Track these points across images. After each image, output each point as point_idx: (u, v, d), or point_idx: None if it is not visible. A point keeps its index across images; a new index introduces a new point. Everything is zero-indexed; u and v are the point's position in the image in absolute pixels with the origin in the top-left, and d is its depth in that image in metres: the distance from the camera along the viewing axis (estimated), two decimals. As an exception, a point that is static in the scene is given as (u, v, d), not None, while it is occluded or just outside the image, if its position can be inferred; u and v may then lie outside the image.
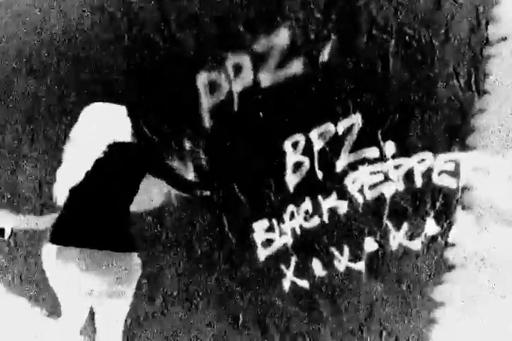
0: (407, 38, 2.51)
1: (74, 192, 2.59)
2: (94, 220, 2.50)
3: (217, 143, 3.03)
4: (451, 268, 2.40)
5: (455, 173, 2.40)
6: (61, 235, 2.49)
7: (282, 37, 2.83)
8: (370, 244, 2.56)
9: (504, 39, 2.37)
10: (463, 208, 2.38)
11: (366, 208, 2.57)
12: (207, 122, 3.08)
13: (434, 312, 2.43)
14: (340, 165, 2.63)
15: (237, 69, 2.98)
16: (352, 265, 2.60)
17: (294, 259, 2.76)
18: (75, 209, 2.55)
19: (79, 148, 2.65)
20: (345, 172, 2.61)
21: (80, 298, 2.58)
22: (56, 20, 3.87)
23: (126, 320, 3.43)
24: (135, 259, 2.54)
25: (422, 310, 2.45)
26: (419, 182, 2.46)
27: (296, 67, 2.79)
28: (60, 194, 2.65)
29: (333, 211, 2.64)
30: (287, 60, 2.83)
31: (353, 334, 2.60)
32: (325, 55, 2.70)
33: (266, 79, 2.87)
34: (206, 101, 3.09)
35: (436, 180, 2.43)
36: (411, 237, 2.47)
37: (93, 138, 2.64)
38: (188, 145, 3.14)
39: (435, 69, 2.45)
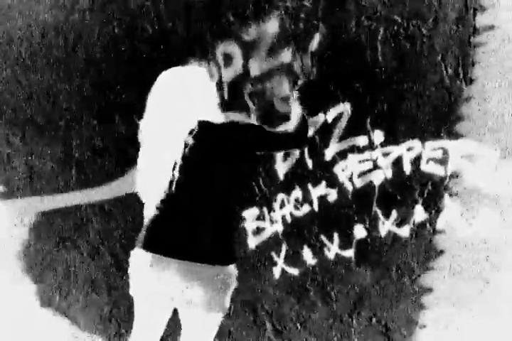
0: (395, 26, 2.53)
1: (171, 190, 2.15)
2: (198, 227, 2.13)
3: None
4: (439, 254, 2.43)
5: (443, 161, 2.42)
6: (157, 243, 2.14)
7: (272, 26, 2.84)
8: (359, 231, 2.58)
9: (491, 28, 2.39)
10: (451, 195, 2.41)
11: (356, 196, 2.59)
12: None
13: (423, 297, 2.46)
14: (329, 153, 2.64)
15: (227, 58, 2.98)
16: (342, 252, 2.63)
17: (284, 247, 2.79)
18: (174, 212, 2.16)
19: (158, 128, 2.19)
20: (334, 161, 2.63)
21: (165, 310, 2.26)
22: (44, 6, 3.85)
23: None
24: (234, 271, 2.22)
25: (410, 296, 2.48)
26: (407, 169, 2.49)
27: (286, 56, 2.80)
28: (146, 190, 2.23)
29: (323, 199, 2.66)
30: (277, 49, 2.84)
31: (342, 320, 2.64)
32: (314, 44, 2.71)
33: (256, 68, 2.88)
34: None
35: (425, 167, 2.46)
36: (400, 224, 2.50)
37: (177, 114, 2.17)
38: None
39: (423, 57, 2.47)
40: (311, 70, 2.71)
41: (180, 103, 2.18)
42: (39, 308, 3.47)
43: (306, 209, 2.71)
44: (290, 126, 2.43)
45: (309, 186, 2.70)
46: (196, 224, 2.12)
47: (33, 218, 3.53)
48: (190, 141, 2.13)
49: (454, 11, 2.43)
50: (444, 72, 2.44)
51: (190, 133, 2.14)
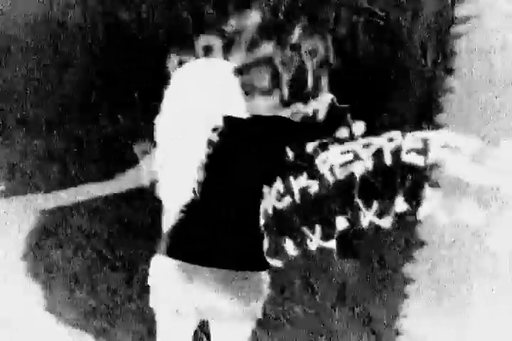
0: (375, 18, 2.53)
1: (196, 193, 2.00)
2: (227, 231, 2.00)
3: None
4: (421, 244, 2.45)
5: (423, 151, 2.43)
6: (183, 249, 2.00)
7: (253, 18, 2.83)
8: (341, 223, 2.59)
9: (470, 18, 2.40)
10: (431, 185, 2.42)
11: (337, 187, 2.60)
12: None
13: (405, 288, 2.48)
14: (310, 145, 2.64)
15: (208, 50, 2.97)
16: (324, 243, 2.64)
17: (266, 239, 2.79)
18: (200, 216, 2.02)
19: (178, 126, 2.03)
20: (315, 152, 2.64)
21: (192, 322, 2.12)
22: None
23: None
24: (267, 278, 2.08)
25: (393, 286, 2.50)
26: (388, 160, 2.49)
27: (267, 48, 2.80)
28: (169, 193, 2.08)
29: (304, 191, 2.67)
30: (258, 42, 2.83)
31: (325, 312, 2.65)
32: (295, 36, 2.71)
33: (236, 60, 2.88)
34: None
35: (405, 158, 2.46)
36: (381, 215, 2.51)
37: (200, 111, 2.02)
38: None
39: (403, 48, 2.48)
40: (291, 62, 2.71)
41: (203, 98, 2.02)
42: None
43: (287, 201, 2.71)
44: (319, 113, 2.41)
45: (291, 178, 2.70)
46: (224, 228, 2.00)
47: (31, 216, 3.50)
48: (215, 139, 1.99)
49: (433, 2, 2.44)
50: (424, 63, 2.45)
51: (214, 130, 2.00)
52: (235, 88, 2.11)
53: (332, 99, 2.48)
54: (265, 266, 2.07)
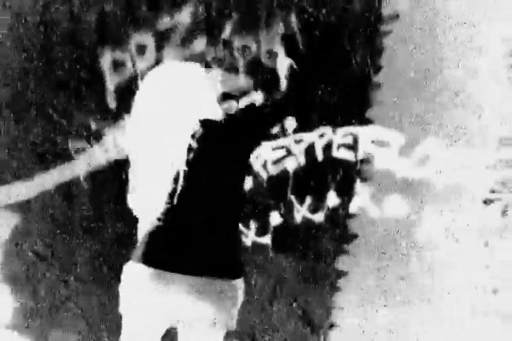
0: (306, 14, 2.57)
1: (172, 201, 1.96)
2: (203, 240, 1.96)
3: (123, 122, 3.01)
4: (353, 237, 2.50)
5: (353, 147, 2.48)
6: (159, 257, 1.95)
7: (185, 15, 2.83)
8: (275, 218, 2.62)
9: (397, 16, 2.46)
10: (362, 180, 2.47)
11: (270, 183, 2.63)
12: (112, 102, 3.06)
13: (339, 280, 2.52)
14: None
15: (141, 48, 2.96)
16: (259, 239, 2.67)
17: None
18: (176, 224, 1.97)
19: (152, 134, 1.95)
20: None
21: (161, 329, 2.06)
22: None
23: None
24: (242, 284, 2.04)
25: (327, 280, 2.54)
26: (320, 156, 2.54)
27: (199, 45, 2.80)
28: (142, 203, 2.03)
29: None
30: (190, 38, 2.83)
31: (263, 307, 2.67)
32: (227, 33, 2.72)
33: (169, 57, 2.87)
34: (110, 81, 3.06)
35: (336, 153, 2.51)
36: (314, 210, 2.55)
37: (175, 116, 1.95)
38: (93, 125, 3.11)
39: (333, 45, 2.52)
40: (224, 59, 2.72)
41: (177, 102, 1.95)
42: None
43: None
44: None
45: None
46: (201, 237, 1.95)
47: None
48: (194, 145, 1.94)
49: (362, 3, 2.49)
50: (353, 59, 2.50)
51: (193, 136, 1.94)
52: (209, 89, 2.05)
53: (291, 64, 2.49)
54: (241, 273, 2.02)
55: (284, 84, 2.52)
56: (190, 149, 1.93)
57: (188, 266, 1.92)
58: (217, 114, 2.02)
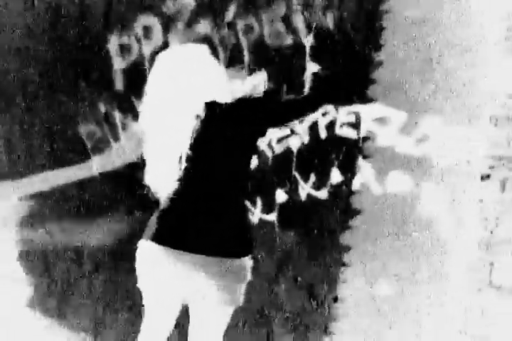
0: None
1: (182, 181, 2.03)
2: (210, 219, 2.02)
3: (131, 106, 3.07)
4: (356, 213, 2.56)
5: (356, 124, 2.54)
6: (168, 235, 2.02)
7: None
8: (280, 196, 2.69)
9: (397, -5, 2.49)
10: (364, 157, 2.53)
11: (275, 161, 2.69)
12: (120, 84, 3.12)
13: (343, 255, 2.59)
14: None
15: (147, 31, 3.01)
16: (265, 216, 2.73)
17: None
18: (184, 204, 2.04)
19: (162, 114, 2.03)
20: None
21: (176, 305, 2.14)
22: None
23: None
24: (249, 263, 2.09)
25: (331, 255, 2.61)
26: (323, 134, 2.59)
27: (204, 27, 2.85)
28: (157, 182, 2.10)
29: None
30: (195, 21, 2.88)
31: (268, 281, 2.75)
32: (230, 15, 2.76)
33: (175, 40, 2.92)
34: (118, 64, 3.11)
35: (339, 131, 2.57)
36: (318, 187, 2.61)
37: (183, 97, 2.01)
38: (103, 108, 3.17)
39: (334, 25, 2.56)
40: (229, 41, 2.77)
41: (184, 84, 2.00)
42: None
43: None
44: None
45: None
46: (208, 216, 2.01)
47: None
48: (198, 127, 1.99)
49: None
50: (354, 38, 2.54)
51: (198, 117, 1.99)
52: (217, 72, 2.10)
53: (318, 70, 2.48)
54: (248, 252, 2.07)
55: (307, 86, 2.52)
56: (196, 131, 1.99)
57: (195, 245, 1.99)
58: (224, 96, 2.07)
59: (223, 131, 2.00)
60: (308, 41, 2.53)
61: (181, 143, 2.01)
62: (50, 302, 3.44)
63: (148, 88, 2.08)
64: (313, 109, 2.31)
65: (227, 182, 2.04)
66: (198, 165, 2.02)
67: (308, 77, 2.42)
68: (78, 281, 3.32)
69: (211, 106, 2.01)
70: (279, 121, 2.20)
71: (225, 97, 2.07)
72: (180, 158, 2.02)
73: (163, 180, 2.07)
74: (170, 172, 2.04)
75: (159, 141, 2.05)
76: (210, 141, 2.00)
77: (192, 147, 2.00)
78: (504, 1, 2.29)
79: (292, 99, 2.32)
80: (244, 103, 2.08)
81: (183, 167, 2.02)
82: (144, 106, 2.09)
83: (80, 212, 3.29)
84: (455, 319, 2.39)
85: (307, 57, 2.55)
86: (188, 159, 2.01)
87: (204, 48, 2.13)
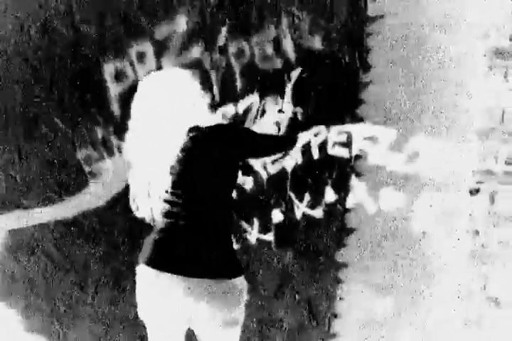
0: (294, 18, 2.67)
1: (171, 204, 2.06)
2: (200, 243, 2.04)
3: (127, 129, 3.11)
4: (351, 231, 2.60)
5: (347, 144, 2.59)
6: (161, 259, 2.05)
7: (180, 23, 2.94)
8: (277, 216, 2.73)
9: (382, 17, 2.55)
10: (356, 175, 2.58)
11: (270, 182, 2.74)
12: (116, 109, 3.16)
13: (339, 272, 2.63)
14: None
15: (141, 56, 3.07)
16: (262, 236, 2.78)
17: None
18: (175, 228, 2.06)
19: (148, 141, 2.04)
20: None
21: (179, 332, 2.16)
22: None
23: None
24: (243, 282, 2.10)
25: (328, 272, 2.65)
26: (315, 154, 2.64)
27: (196, 51, 2.91)
28: (145, 205, 2.13)
29: (240, 187, 2.79)
30: (187, 46, 2.94)
31: (268, 300, 2.78)
32: (221, 39, 2.82)
33: (169, 65, 2.98)
34: (113, 89, 3.16)
35: (331, 151, 2.62)
36: (313, 206, 2.66)
37: (166, 124, 2.02)
38: (99, 132, 3.21)
39: (324, 47, 2.62)
40: (220, 64, 2.83)
41: (167, 109, 2.03)
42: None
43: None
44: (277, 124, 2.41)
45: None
46: (198, 240, 2.04)
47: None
48: (180, 153, 2.01)
49: (347, 1, 2.58)
50: (343, 60, 2.60)
51: (183, 141, 2.01)
52: (198, 96, 2.12)
53: (296, 110, 2.48)
54: (239, 272, 2.09)
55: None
56: (180, 154, 2.00)
57: (187, 269, 2.01)
58: (206, 120, 2.09)
59: (203, 155, 2.02)
60: (288, 87, 2.56)
61: (165, 169, 2.02)
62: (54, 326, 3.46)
63: (132, 114, 2.10)
64: (281, 150, 2.39)
65: (212, 207, 2.07)
66: (184, 187, 2.04)
67: (287, 117, 2.43)
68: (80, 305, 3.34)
69: (194, 131, 2.02)
70: (254, 153, 2.26)
71: (208, 120, 2.10)
72: (166, 179, 2.04)
73: (144, 203, 2.12)
74: (156, 198, 2.08)
75: (145, 166, 2.08)
76: (191, 167, 2.02)
77: (178, 170, 2.02)
78: (487, 20, 2.36)
79: (269, 134, 2.35)
80: (225, 128, 2.12)
81: (169, 190, 2.04)
82: (129, 133, 2.12)
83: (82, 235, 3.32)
84: (452, 332, 2.43)
85: (287, 99, 2.56)
86: (175, 182, 2.03)
87: (185, 73, 2.15)
